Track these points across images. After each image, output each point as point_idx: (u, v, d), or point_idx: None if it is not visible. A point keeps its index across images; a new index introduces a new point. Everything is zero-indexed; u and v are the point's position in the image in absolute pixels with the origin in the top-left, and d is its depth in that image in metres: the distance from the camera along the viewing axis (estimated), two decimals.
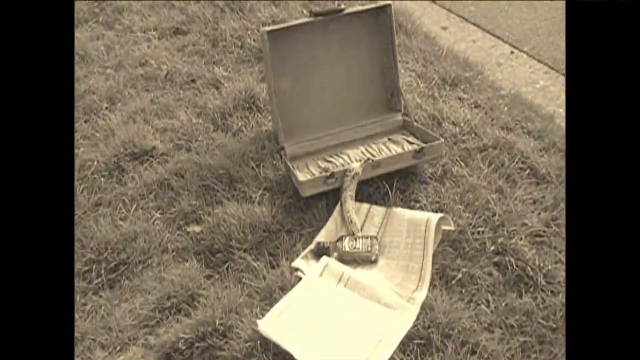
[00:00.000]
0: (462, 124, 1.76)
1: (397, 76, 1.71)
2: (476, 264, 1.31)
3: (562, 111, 1.98)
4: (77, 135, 1.86)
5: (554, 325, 1.20)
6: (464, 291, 1.26)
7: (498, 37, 2.50)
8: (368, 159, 1.52)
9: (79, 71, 2.20)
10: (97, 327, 1.25)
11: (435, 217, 1.35)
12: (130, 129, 1.82)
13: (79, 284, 1.36)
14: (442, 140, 1.55)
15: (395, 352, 1.14)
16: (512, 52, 2.39)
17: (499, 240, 1.36)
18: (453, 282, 1.27)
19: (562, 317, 1.20)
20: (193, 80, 2.14)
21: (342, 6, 1.64)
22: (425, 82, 2.02)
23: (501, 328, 1.20)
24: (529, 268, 1.30)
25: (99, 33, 2.47)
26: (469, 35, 2.53)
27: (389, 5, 1.64)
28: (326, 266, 1.30)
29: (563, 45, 2.32)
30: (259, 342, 1.15)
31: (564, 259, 1.32)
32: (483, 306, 1.22)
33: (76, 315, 1.28)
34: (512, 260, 1.31)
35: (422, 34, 2.32)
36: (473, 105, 1.90)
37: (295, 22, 1.61)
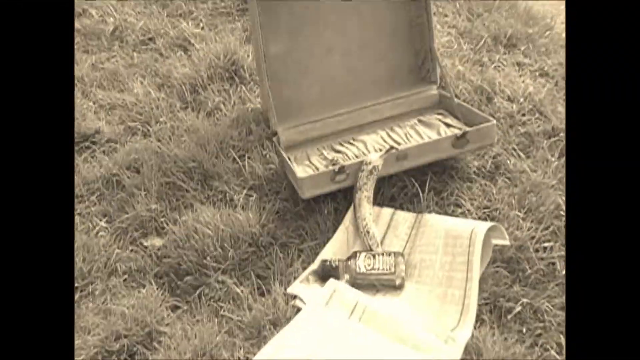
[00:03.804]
0: (521, 100, 1.79)
1: (432, 35, 1.74)
2: (542, 293, 1.33)
3: None
4: None
5: None
6: (524, 330, 1.28)
7: None
8: (391, 147, 1.55)
9: None
10: None
11: (483, 227, 1.37)
12: None
13: None
14: (494, 121, 1.57)
15: None
16: None
17: None
18: (509, 317, 1.30)
19: None
20: (151, 39, 2.18)
21: None
22: (471, 43, 2.05)
23: None
24: None
25: None
26: None
27: None
28: (334, 293, 1.33)
29: None
30: None
31: None
32: (553, 352, 1.24)
33: None
34: None
35: None
36: (538, 74, 1.92)
37: None
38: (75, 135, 1.78)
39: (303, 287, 1.36)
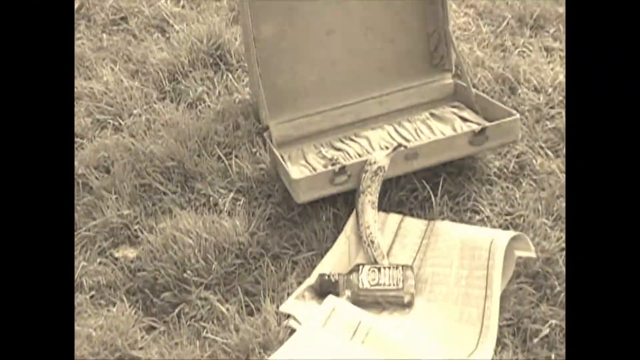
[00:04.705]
0: (549, 90, 1.80)
1: (446, 16, 1.75)
2: None
3: None
4: None
5: None
6: (553, 356, 1.27)
7: None
8: (399, 145, 1.55)
9: None
10: None
11: (504, 237, 1.38)
12: None
13: None
14: (517, 115, 1.58)
15: None
16: None
17: None
18: (535, 340, 1.30)
19: None
20: (124, 19, 2.18)
21: None
22: (492, 25, 2.05)
23: None
24: None
25: None
26: None
27: None
28: (333, 312, 1.33)
29: None
30: None
31: None
32: None
33: None
34: None
35: None
36: None
37: None
38: None
39: (298, 304, 1.37)
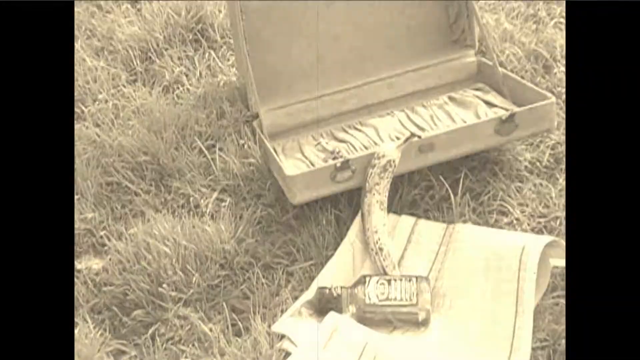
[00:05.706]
0: None
1: None
2: None
3: None
4: None
5: None
6: None
7: None
8: (412, 135, 1.55)
9: None
10: None
11: (537, 243, 1.38)
12: None
13: None
14: (553, 99, 1.58)
15: None
16: None
17: None
18: None
19: None
20: None
21: None
22: None
23: None
24: None
25: None
26: None
27: None
28: (335, 331, 1.33)
29: None
30: None
31: None
32: None
33: None
34: None
35: None
36: None
37: None
38: None
39: (294, 323, 1.37)
